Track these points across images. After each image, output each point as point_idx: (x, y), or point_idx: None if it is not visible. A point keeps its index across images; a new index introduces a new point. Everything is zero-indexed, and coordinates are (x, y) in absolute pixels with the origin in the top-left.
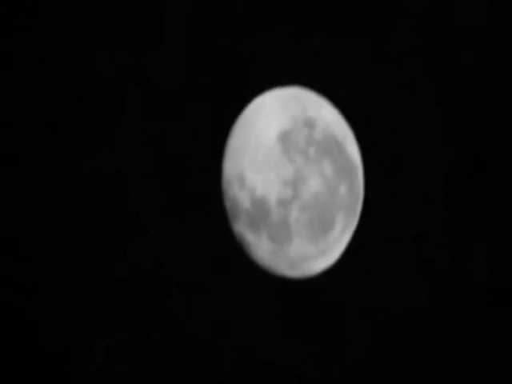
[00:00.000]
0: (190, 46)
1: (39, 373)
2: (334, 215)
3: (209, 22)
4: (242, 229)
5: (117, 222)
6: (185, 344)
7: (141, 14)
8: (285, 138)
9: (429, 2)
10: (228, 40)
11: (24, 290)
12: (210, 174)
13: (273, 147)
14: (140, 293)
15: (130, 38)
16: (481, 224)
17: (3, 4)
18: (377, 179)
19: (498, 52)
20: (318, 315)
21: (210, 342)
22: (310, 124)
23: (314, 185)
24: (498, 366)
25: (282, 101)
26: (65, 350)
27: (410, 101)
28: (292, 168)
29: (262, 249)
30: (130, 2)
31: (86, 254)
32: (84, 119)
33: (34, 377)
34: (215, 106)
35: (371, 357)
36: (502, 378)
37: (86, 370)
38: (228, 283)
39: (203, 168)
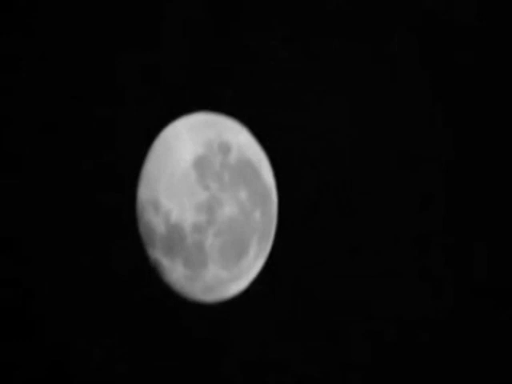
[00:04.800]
0: (190, 45)
1: (39, 373)
2: (248, 240)
3: (209, 22)
4: (158, 254)
5: (116, 222)
6: (184, 344)
7: (141, 14)
8: (199, 164)
9: (428, 1)
10: (228, 40)
11: (24, 290)
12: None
13: (187, 172)
14: (140, 293)
15: (130, 38)
16: (481, 224)
17: (3, 4)
18: (375, 179)
19: (498, 52)
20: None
21: (210, 342)
22: (224, 149)
23: (228, 210)
24: (498, 365)
25: (196, 126)
26: (65, 350)
27: (410, 100)
28: (207, 193)
29: (178, 273)
30: (130, 2)
31: (86, 254)
32: (84, 119)
33: (34, 377)
34: (214, 106)
35: (371, 356)
36: (502, 378)
37: (86, 369)
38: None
39: None
